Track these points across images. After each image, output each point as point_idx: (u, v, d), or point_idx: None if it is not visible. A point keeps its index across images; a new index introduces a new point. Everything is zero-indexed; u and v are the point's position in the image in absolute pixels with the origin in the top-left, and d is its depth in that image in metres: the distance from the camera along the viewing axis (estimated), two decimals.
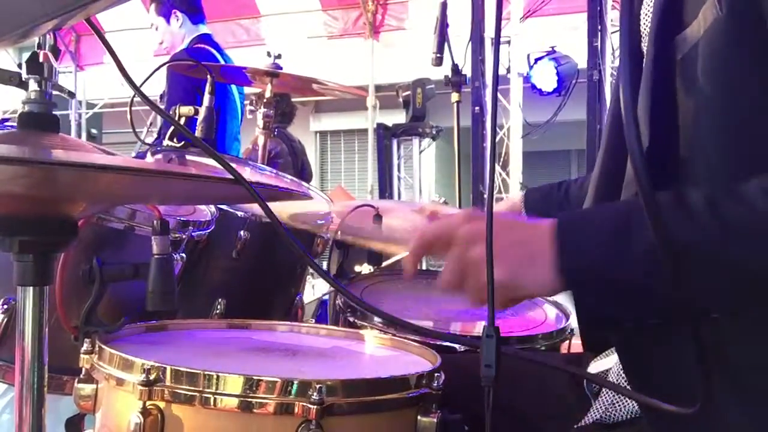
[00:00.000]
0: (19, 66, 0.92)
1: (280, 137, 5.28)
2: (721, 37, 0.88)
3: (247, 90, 3.87)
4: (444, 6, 3.14)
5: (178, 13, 3.62)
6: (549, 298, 1.85)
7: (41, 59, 0.91)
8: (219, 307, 1.67)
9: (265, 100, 2.29)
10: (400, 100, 5.81)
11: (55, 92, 0.94)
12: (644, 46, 1.00)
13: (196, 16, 3.68)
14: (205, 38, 3.64)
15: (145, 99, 0.97)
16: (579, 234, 0.87)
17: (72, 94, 1.12)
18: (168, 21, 3.66)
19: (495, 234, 0.84)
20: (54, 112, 0.93)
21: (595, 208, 0.88)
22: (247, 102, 3.96)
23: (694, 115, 0.93)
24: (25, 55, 0.93)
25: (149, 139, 2.36)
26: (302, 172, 5.40)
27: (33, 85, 0.91)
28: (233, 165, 0.86)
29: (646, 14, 1.01)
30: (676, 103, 0.95)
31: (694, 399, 0.74)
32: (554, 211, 1.73)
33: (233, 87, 3.68)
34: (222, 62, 3.46)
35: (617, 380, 1.06)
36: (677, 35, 0.94)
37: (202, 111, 1.86)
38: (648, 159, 0.66)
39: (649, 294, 0.84)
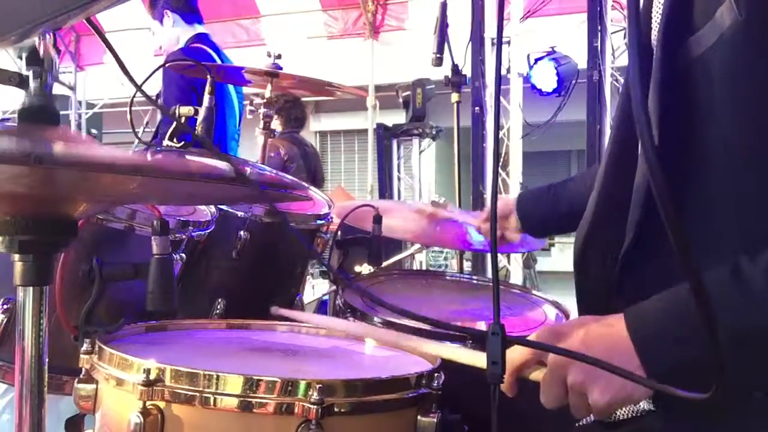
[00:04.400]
0: (20, 57, 0.91)
1: (293, 142, 5.34)
2: (740, 40, 0.88)
3: (250, 90, 3.87)
4: (444, 6, 3.14)
5: (170, 13, 3.61)
6: (549, 298, 1.85)
7: (41, 52, 0.91)
8: (219, 307, 1.67)
9: (264, 101, 2.28)
10: (400, 100, 5.80)
11: (54, 92, 0.94)
12: (655, 47, 0.99)
13: (190, 16, 3.66)
14: (202, 38, 3.63)
15: (148, 97, 0.97)
16: (658, 344, 0.89)
17: (71, 88, 1.12)
18: (162, 23, 3.66)
19: (581, 348, 0.90)
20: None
21: (666, 306, 0.90)
22: (246, 102, 3.96)
23: (711, 116, 0.93)
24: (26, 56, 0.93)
25: (145, 138, 2.35)
26: (315, 176, 5.44)
27: (33, 78, 0.91)
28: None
29: (656, 16, 1.01)
30: (689, 103, 0.95)
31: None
32: (544, 214, 1.76)
33: (231, 87, 3.68)
34: (219, 62, 3.46)
35: None
36: (690, 36, 0.94)
37: (202, 111, 1.85)
38: (660, 160, 0.66)
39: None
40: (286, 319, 1.36)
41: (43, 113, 0.91)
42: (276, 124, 5.27)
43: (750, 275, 0.83)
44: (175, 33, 3.64)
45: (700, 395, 0.74)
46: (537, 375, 0.96)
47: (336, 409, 0.92)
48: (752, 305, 0.83)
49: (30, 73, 0.90)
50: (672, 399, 0.79)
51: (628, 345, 0.89)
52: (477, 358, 0.97)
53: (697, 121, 0.94)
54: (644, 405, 1.05)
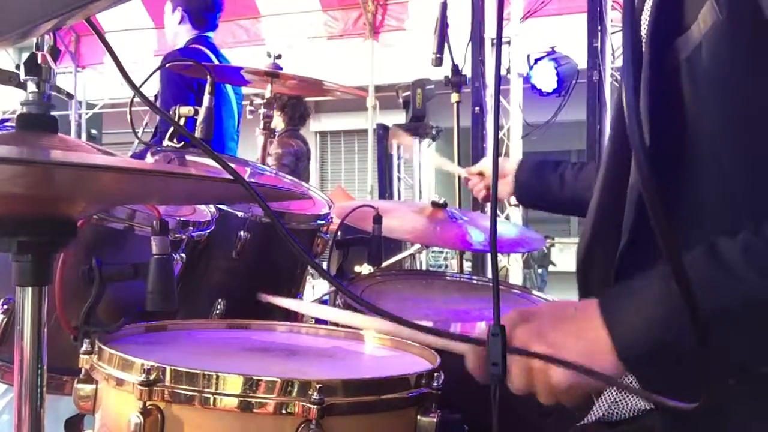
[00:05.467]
0: (18, 67, 0.92)
1: (300, 139, 5.40)
2: (722, 39, 0.89)
3: (250, 90, 3.88)
4: (444, 6, 3.14)
5: (180, 10, 3.67)
6: (549, 298, 1.85)
7: (39, 60, 0.91)
8: (219, 307, 1.67)
9: (264, 101, 2.28)
10: (400, 100, 5.79)
11: (54, 93, 0.94)
12: (644, 48, 1.00)
13: (199, 23, 3.70)
14: (201, 39, 3.66)
15: (145, 99, 0.97)
16: (631, 325, 0.88)
17: (70, 96, 1.12)
18: (172, 12, 3.70)
19: (548, 326, 0.90)
20: (54, 113, 0.94)
21: (640, 288, 0.90)
22: (246, 102, 3.97)
23: (699, 116, 0.94)
24: (25, 55, 0.93)
25: (145, 138, 2.35)
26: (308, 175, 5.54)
27: (31, 87, 0.91)
28: (232, 165, 0.86)
29: (646, 18, 1.01)
30: (679, 104, 0.95)
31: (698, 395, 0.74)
32: (545, 190, 1.77)
33: (228, 87, 3.70)
34: (216, 62, 3.47)
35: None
36: (678, 38, 0.94)
37: (202, 111, 1.85)
38: (651, 160, 0.66)
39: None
40: (275, 306, 1.35)
41: (41, 122, 0.91)
42: (278, 122, 5.31)
43: (728, 251, 0.84)
44: (180, 30, 3.67)
45: (687, 405, 0.74)
46: None
47: (336, 409, 0.92)
48: (731, 280, 0.83)
49: (28, 83, 0.91)
50: (672, 398, 0.79)
51: (598, 324, 0.89)
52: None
53: (686, 121, 0.95)
54: (644, 404, 1.05)
